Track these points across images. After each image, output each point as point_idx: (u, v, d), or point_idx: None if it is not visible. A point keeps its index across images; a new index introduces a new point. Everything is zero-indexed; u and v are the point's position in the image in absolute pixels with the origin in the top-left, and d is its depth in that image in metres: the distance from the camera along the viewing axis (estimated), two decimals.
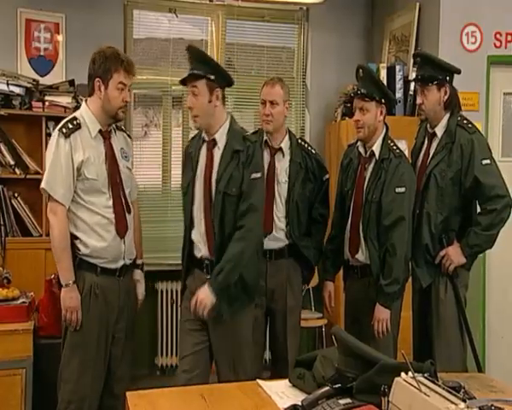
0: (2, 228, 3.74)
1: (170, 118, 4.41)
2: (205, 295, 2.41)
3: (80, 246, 2.49)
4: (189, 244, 2.57)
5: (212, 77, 2.43)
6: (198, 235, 2.54)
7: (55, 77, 4.02)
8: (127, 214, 2.56)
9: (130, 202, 2.61)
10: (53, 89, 3.91)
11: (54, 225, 2.49)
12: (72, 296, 2.45)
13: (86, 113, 2.55)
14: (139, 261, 2.71)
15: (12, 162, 3.81)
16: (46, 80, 3.98)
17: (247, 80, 4.45)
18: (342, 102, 4.17)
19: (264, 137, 2.99)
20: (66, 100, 3.90)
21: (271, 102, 2.91)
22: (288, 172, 2.95)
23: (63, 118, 3.78)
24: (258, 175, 2.49)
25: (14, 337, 2.60)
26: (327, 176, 3.06)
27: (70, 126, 2.51)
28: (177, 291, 4.16)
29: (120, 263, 2.55)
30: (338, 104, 4.27)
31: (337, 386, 1.68)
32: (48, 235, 3.81)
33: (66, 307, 2.44)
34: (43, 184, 2.53)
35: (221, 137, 2.50)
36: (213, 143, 2.52)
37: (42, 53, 4.03)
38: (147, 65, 4.30)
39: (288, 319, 2.94)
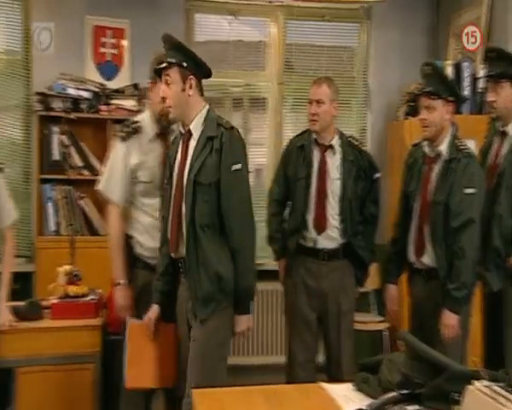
0: (71, 227, 3.90)
1: (230, 119, 4.43)
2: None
3: (136, 245, 2.57)
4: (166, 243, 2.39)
5: (185, 64, 2.28)
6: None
7: (121, 81, 4.14)
8: None
9: None
10: (118, 93, 4.04)
11: (109, 225, 2.61)
12: (123, 295, 2.54)
13: (146, 115, 2.65)
14: None
15: (80, 164, 3.96)
16: (112, 84, 4.11)
17: (305, 81, 4.43)
18: (405, 101, 4.07)
19: (313, 136, 2.96)
20: (130, 103, 4.02)
21: (317, 102, 2.89)
22: (340, 169, 2.92)
23: (128, 120, 3.99)
24: (239, 166, 2.27)
25: (84, 333, 2.69)
26: (377, 175, 3.00)
27: (129, 130, 2.59)
28: None
29: None
30: (400, 103, 4.18)
31: (405, 392, 1.63)
32: None
33: (119, 306, 2.53)
34: (99, 186, 2.64)
35: (196, 126, 2.30)
36: (189, 134, 2.33)
37: (108, 58, 4.17)
38: None
39: (342, 322, 2.90)
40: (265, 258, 4.37)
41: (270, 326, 4.35)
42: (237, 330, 2.32)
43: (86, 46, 4.11)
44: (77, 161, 3.96)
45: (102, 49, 4.16)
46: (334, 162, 2.93)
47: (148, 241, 2.56)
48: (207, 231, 2.24)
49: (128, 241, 2.59)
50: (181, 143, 2.36)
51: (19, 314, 2.69)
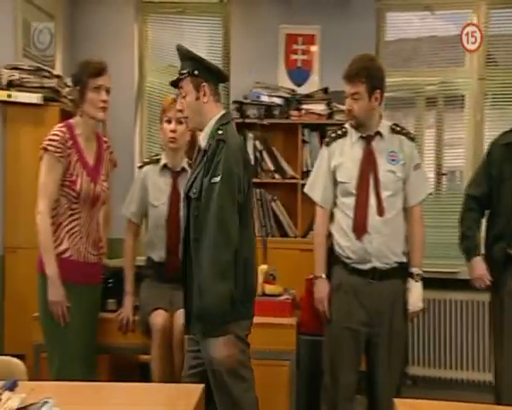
0: (264, 229, 4.08)
1: (422, 120, 4.26)
2: None
3: (335, 244, 2.63)
4: None
5: (196, 72, 2.23)
6: None
7: (311, 86, 4.22)
8: (375, 217, 2.54)
9: (384, 204, 2.56)
10: (308, 97, 4.12)
11: (315, 224, 2.71)
12: (322, 289, 2.63)
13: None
14: (413, 269, 2.64)
15: (272, 168, 4.13)
16: (302, 90, 4.21)
17: (509, 75, 4.05)
18: None
19: None
20: (320, 107, 4.08)
21: None
22: None
23: (317, 125, 4.07)
24: (217, 179, 2.11)
25: (280, 331, 2.78)
26: None
27: (333, 135, 2.67)
28: (435, 300, 4.03)
29: (369, 265, 2.55)
30: None
31: None
32: (303, 236, 4.09)
33: (317, 299, 2.64)
34: (305, 188, 2.77)
35: (204, 137, 2.24)
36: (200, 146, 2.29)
37: (299, 64, 4.28)
38: (397, 67, 4.24)
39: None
40: (461, 266, 4.11)
41: (472, 339, 4.07)
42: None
43: (279, 54, 4.27)
44: (269, 164, 4.13)
45: (294, 56, 4.28)
46: None
47: (343, 240, 2.59)
48: (197, 245, 2.17)
49: (329, 239, 2.66)
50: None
51: None
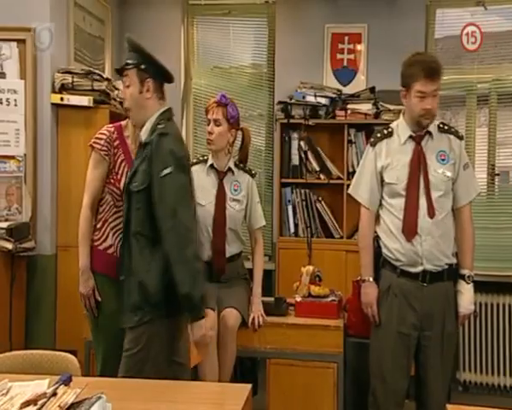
0: (309, 229, 4.05)
1: (473, 118, 4.14)
2: None
3: (382, 246, 2.57)
4: None
5: (143, 66, 2.25)
6: None
7: (357, 86, 4.17)
8: (425, 218, 2.47)
9: (434, 205, 2.50)
10: (354, 97, 4.07)
11: (360, 226, 2.67)
12: (368, 292, 2.58)
13: (400, 120, 2.62)
14: (464, 271, 2.57)
15: (317, 168, 4.10)
16: (348, 89, 4.17)
17: None
18: None
19: None
20: (366, 107, 4.01)
21: None
22: None
23: (363, 125, 4.01)
24: (169, 170, 2.15)
25: (327, 333, 2.76)
26: None
27: (378, 135, 2.61)
28: (486, 304, 3.93)
29: (419, 268, 2.49)
30: None
31: None
32: (348, 237, 4.05)
33: (364, 302, 2.59)
34: (349, 189, 2.73)
35: (145, 132, 2.28)
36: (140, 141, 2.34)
37: (345, 63, 4.24)
38: (447, 64, 4.12)
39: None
40: None
41: None
42: (193, 340, 2.20)
43: (325, 53, 4.24)
44: (314, 165, 4.10)
45: (339, 55, 4.24)
46: None
47: (392, 242, 2.53)
48: (140, 239, 2.20)
49: (376, 241, 2.60)
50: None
51: (266, 309, 2.87)
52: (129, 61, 2.31)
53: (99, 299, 2.52)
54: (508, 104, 4.09)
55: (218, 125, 2.80)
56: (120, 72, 2.34)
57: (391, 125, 2.66)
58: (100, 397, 1.48)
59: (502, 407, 1.83)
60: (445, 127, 2.60)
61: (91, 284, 2.52)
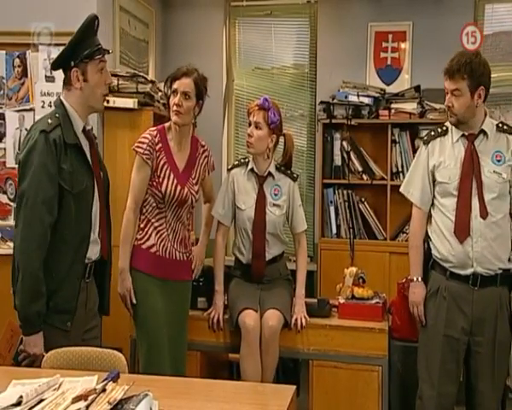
0: (351, 230, 4.01)
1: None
2: None
3: (432, 246, 2.53)
4: None
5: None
6: None
7: (401, 84, 4.11)
8: (478, 219, 2.41)
9: (488, 206, 2.42)
10: (398, 96, 4.00)
11: (411, 225, 2.64)
12: (415, 292, 2.57)
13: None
14: None
15: (360, 169, 4.05)
16: (392, 88, 4.11)
17: None
18: None
19: None
20: (411, 106, 3.95)
21: None
22: None
23: (408, 124, 3.94)
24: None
25: (371, 335, 2.72)
26: None
27: (432, 133, 2.57)
28: None
29: (469, 270, 2.42)
30: None
31: None
32: (392, 239, 3.98)
33: (411, 301, 2.57)
34: (401, 188, 2.69)
35: None
36: None
37: (388, 62, 4.18)
38: (496, 61, 4.01)
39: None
40: None
41: None
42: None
43: (368, 52, 4.19)
44: (357, 165, 4.05)
45: (383, 54, 4.18)
46: None
47: (442, 243, 2.49)
48: None
49: (427, 242, 2.57)
50: None
51: (309, 311, 2.85)
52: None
53: (134, 302, 2.56)
54: None
55: (258, 129, 2.78)
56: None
57: (446, 123, 2.59)
58: (147, 394, 1.50)
59: None
60: (504, 127, 2.52)
61: (128, 284, 2.58)
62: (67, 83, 2.22)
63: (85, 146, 2.25)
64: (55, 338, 2.10)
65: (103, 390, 1.53)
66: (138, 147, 2.61)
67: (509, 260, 2.48)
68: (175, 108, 2.57)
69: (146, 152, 2.59)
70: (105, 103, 3.52)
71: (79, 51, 2.17)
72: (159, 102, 3.65)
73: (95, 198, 2.25)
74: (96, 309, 2.37)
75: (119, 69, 3.70)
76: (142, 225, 2.64)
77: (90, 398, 1.48)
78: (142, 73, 3.70)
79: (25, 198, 2.09)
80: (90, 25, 2.22)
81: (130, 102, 3.54)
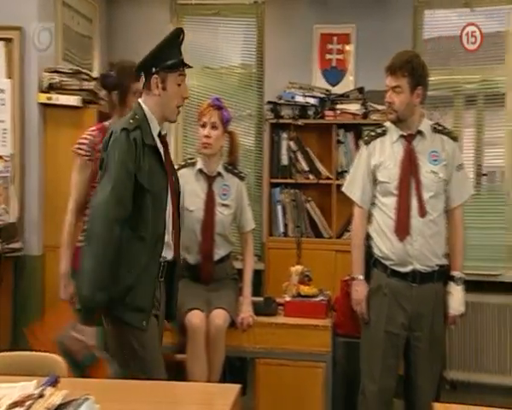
0: (298, 229, 4.06)
1: (461, 119, 4.17)
2: None
3: (373, 245, 2.59)
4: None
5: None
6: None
7: (345, 86, 4.19)
8: (417, 218, 2.49)
9: (426, 205, 2.51)
10: (343, 97, 4.08)
11: (352, 224, 2.69)
12: (358, 290, 2.61)
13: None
14: (454, 273, 2.59)
15: (306, 168, 4.11)
16: (337, 89, 4.18)
17: None
18: None
19: None
20: (355, 107, 4.03)
21: None
22: None
23: (352, 125, 4.03)
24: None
25: (315, 332, 2.76)
26: None
27: (372, 134, 2.63)
28: (474, 303, 3.92)
29: (409, 268, 2.50)
30: None
31: None
32: (338, 237, 4.06)
33: (354, 300, 2.62)
34: (343, 187, 2.75)
35: None
36: None
37: (333, 64, 4.25)
38: (435, 65, 4.15)
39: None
40: (504, 268, 4.01)
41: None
42: None
43: (313, 54, 4.25)
44: (303, 165, 4.11)
45: (328, 56, 4.25)
46: None
47: (383, 241, 2.55)
48: None
49: (368, 241, 2.63)
50: None
51: (256, 309, 2.88)
52: None
53: (77, 307, 2.51)
54: (495, 105, 4.13)
55: (215, 129, 2.77)
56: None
57: (385, 123, 2.66)
58: (87, 398, 1.47)
59: (489, 405, 1.83)
60: (439, 128, 2.61)
61: (71, 289, 2.53)
62: (147, 87, 2.21)
63: (160, 149, 2.23)
64: (132, 337, 2.10)
65: (41, 396, 1.48)
66: (79, 148, 2.57)
67: (444, 256, 2.57)
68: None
69: (87, 153, 2.54)
70: (47, 100, 3.49)
71: (162, 60, 2.18)
72: (104, 99, 3.58)
73: (168, 201, 2.23)
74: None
75: (61, 66, 3.60)
76: (85, 227, 2.59)
77: (27, 404, 1.43)
78: (86, 70, 3.63)
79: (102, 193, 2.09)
80: (176, 36, 2.22)
81: (73, 100, 3.46)
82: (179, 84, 2.21)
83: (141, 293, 2.11)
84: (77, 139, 2.64)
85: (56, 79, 3.46)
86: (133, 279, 2.10)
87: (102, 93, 3.58)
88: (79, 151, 2.55)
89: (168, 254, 2.23)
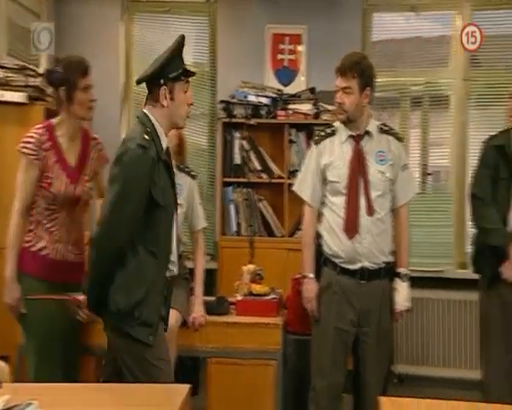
0: (251, 228, 4.08)
1: (407, 120, 4.30)
2: None
3: (323, 243, 2.63)
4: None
5: None
6: None
7: (297, 86, 4.24)
8: (365, 217, 2.55)
9: (373, 204, 2.57)
10: (295, 97, 4.13)
11: (303, 222, 2.72)
12: (308, 288, 2.65)
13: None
14: (400, 270, 2.65)
15: (259, 168, 4.13)
16: (289, 89, 4.22)
17: (494, 76, 4.10)
18: None
19: None
20: (306, 107, 4.09)
21: None
22: None
23: (304, 125, 4.08)
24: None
25: (266, 330, 2.78)
26: None
27: (322, 134, 2.66)
28: (419, 299, 4.05)
29: (358, 265, 2.56)
30: None
31: None
32: (290, 236, 4.10)
33: (304, 298, 2.65)
34: (294, 187, 2.77)
35: None
36: None
37: (285, 64, 4.29)
38: (383, 67, 4.26)
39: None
40: (449, 265, 4.15)
41: (457, 337, 4.12)
42: None
43: (265, 54, 4.27)
44: (256, 164, 4.13)
45: (280, 56, 4.29)
46: None
47: (333, 240, 2.59)
48: None
49: (318, 239, 2.66)
50: None
51: (208, 309, 2.87)
52: None
53: (23, 311, 2.45)
54: (440, 107, 4.27)
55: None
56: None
57: (334, 124, 2.70)
58: (30, 403, 1.44)
59: (435, 397, 1.90)
60: (386, 128, 2.67)
61: (16, 294, 2.46)
62: (154, 99, 2.14)
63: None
64: (138, 352, 2.08)
65: None
66: (24, 147, 2.47)
67: (390, 253, 2.64)
68: (90, 104, 2.51)
69: (33, 152, 2.46)
70: None
71: (169, 70, 2.11)
72: (51, 96, 3.49)
73: (174, 216, 2.21)
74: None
75: (6, 61, 3.49)
76: (31, 227, 2.51)
77: None
78: (32, 66, 3.52)
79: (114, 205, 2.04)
80: (181, 45, 2.17)
81: (19, 96, 3.36)
82: (185, 92, 2.19)
83: (149, 308, 2.10)
84: (22, 137, 2.56)
85: (1, 74, 3.34)
86: (143, 294, 2.08)
87: (49, 90, 3.50)
88: (25, 150, 2.47)
89: (172, 268, 2.24)
